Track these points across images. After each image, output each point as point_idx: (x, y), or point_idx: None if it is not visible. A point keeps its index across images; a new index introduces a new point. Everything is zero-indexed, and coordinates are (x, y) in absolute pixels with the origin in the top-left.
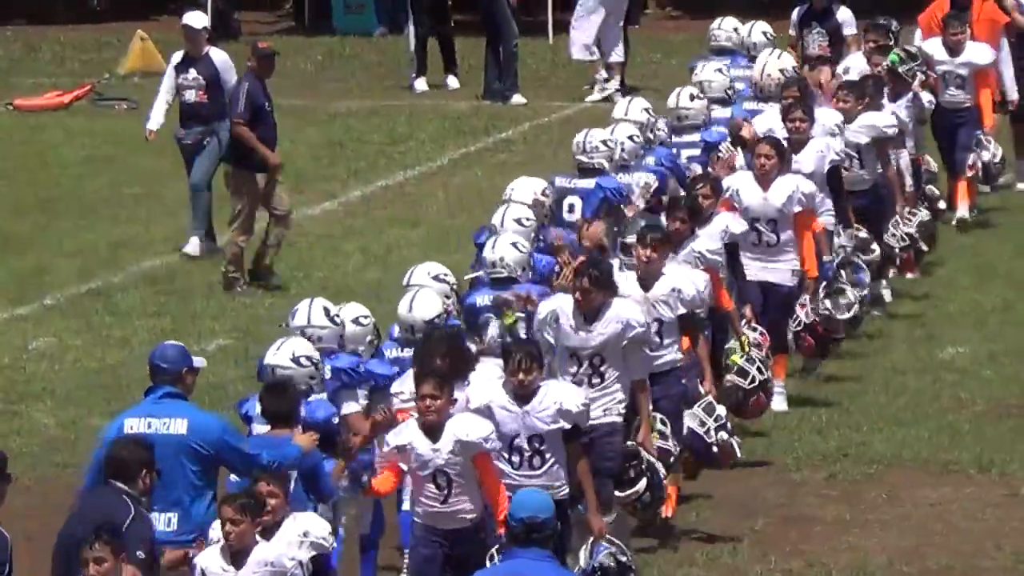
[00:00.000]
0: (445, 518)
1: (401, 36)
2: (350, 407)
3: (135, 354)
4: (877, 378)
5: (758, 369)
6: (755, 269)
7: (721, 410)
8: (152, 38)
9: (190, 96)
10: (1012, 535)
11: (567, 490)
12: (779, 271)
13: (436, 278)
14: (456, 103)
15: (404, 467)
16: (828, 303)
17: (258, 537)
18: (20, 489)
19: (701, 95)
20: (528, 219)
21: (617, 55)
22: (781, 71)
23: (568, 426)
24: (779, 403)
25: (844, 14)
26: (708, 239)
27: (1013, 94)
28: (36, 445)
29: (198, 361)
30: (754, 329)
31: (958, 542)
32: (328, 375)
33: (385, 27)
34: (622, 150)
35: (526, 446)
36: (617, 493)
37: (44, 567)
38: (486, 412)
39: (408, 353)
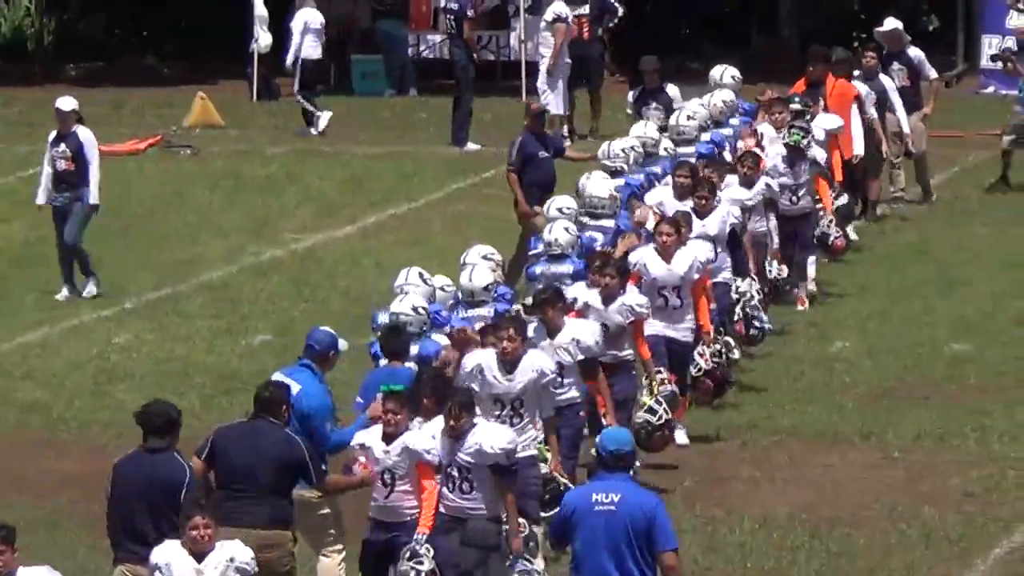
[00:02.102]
0: (388, 511)
1: (406, 96)
2: (441, 339)
3: (196, 347)
4: (781, 366)
5: (664, 409)
6: (660, 328)
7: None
8: (211, 98)
9: (60, 165)
10: (887, 491)
11: (494, 511)
12: (680, 329)
13: (485, 256)
14: (449, 149)
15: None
16: (722, 349)
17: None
18: (107, 453)
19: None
20: (570, 208)
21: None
22: (724, 102)
23: (487, 464)
24: (681, 437)
25: (673, 91)
26: (635, 295)
27: (859, 149)
28: (120, 418)
29: (342, 344)
30: (659, 371)
31: (844, 497)
32: None
33: (394, 90)
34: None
35: (456, 474)
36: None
37: None
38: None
39: (473, 312)
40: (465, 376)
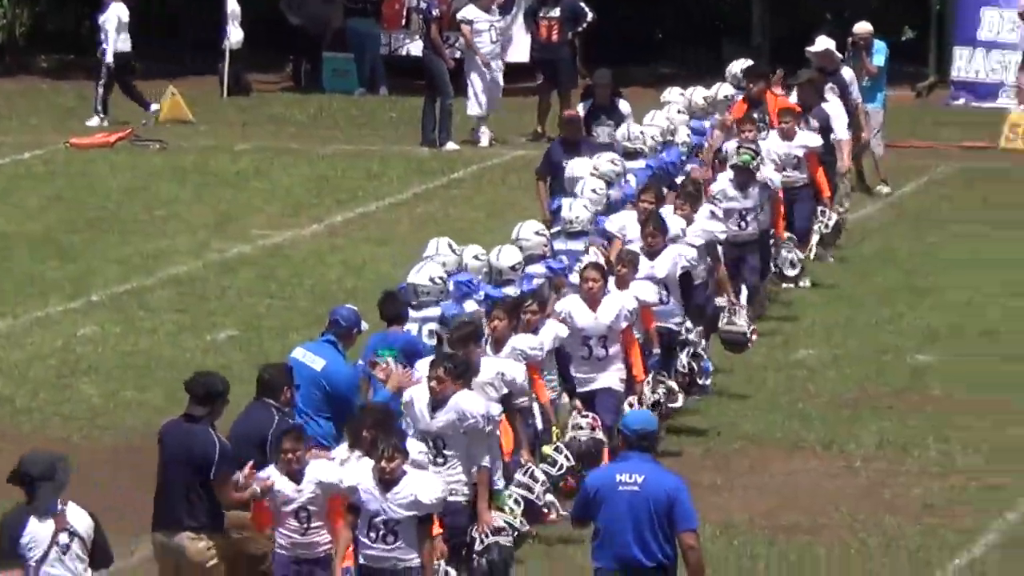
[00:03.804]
0: (305, 547)
1: (378, 96)
2: (471, 306)
3: (161, 341)
4: (744, 373)
5: (566, 457)
6: (583, 383)
7: (539, 473)
8: (180, 93)
9: None
10: (848, 499)
11: (417, 561)
12: (607, 378)
13: (537, 232)
14: (418, 149)
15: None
16: (661, 399)
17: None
18: (71, 446)
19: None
20: (601, 189)
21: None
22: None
23: (420, 514)
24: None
25: (625, 107)
26: (527, 340)
27: (844, 134)
28: (83, 411)
29: (364, 325)
30: (584, 416)
31: (805, 504)
32: (452, 288)
33: (364, 88)
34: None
35: (382, 525)
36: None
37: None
38: (353, 491)
39: (503, 292)
40: (403, 406)
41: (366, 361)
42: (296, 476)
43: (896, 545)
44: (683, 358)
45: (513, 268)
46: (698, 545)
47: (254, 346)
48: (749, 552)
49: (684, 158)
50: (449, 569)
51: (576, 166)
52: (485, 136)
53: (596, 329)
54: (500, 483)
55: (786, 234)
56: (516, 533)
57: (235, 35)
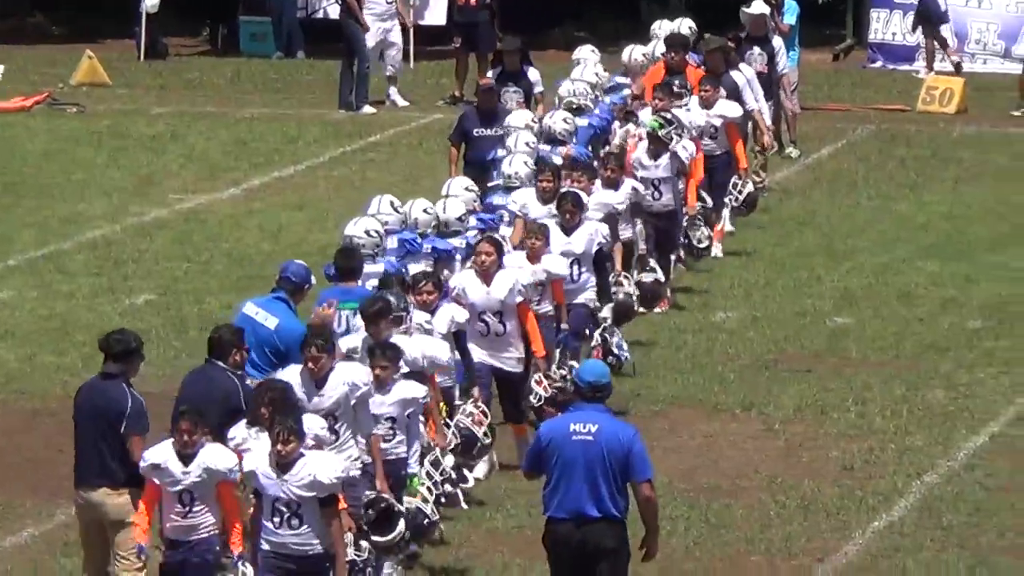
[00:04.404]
0: (186, 531)
1: (295, 59)
2: (417, 267)
3: (78, 305)
4: (663, 336)
5: (453, 434)
6: (484, 356)
7: (447, 461)
8: (98, 57)
9: None
10: (767, 461)
11: (320, 548)
12: (507, 359)
13: (467, 188)
14: (335, 113)
15: (157, 483)
16: (563, 372)
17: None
18: None
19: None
20: (534, 143)
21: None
22: (643, 55)
23: (321, 495)
24: (479, 470)
25: (534, 75)
26: (423, 317)
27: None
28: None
29: (313, 280)
30: (478, 407)
31: (724, 466)
32: (394, 245)
33: (281, 52)
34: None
35: (284, 509)
36: (378, 539)
37: (11, 472)
38: (252, 476)
39: (451, 243)
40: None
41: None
42: (187, 458)
43: (815, 508)
44: (596, 334)
45: (459, 219)
46: (654, 495)
47: (172, 310)
48: (669, 514)
49: (612, 117)
50: (362, 542)
51: (513, 119)
52: (397, 97)
53: (488, 304)
54: (415, 467)
55: (698, 205)
56: (426, 520)
57: None
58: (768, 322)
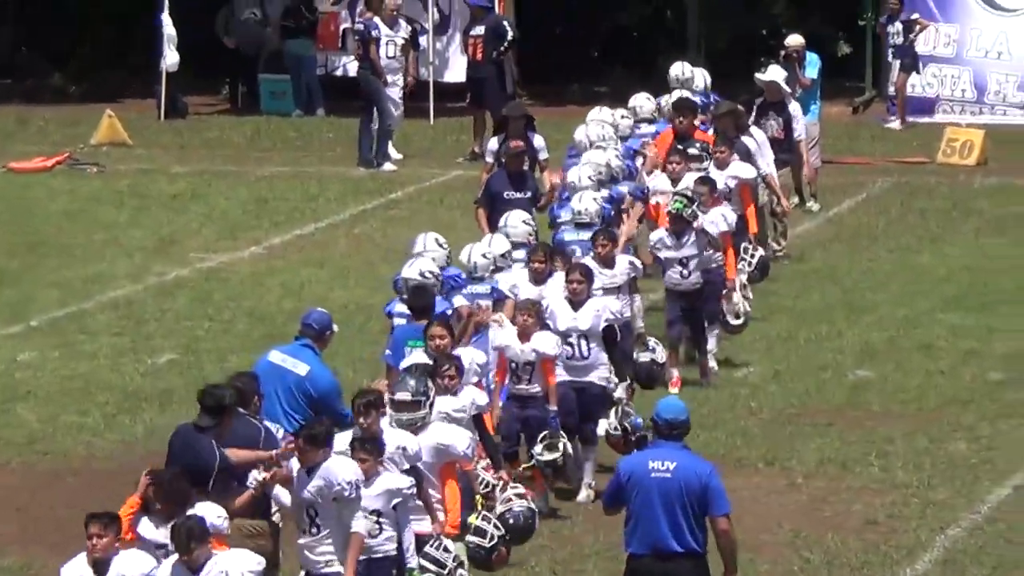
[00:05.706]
0: None
1: (315, 117)
2: (459, 300)
3: (101, 365)
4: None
5: (495, 526)
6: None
7: (451, 546)
8: (117, 116)
9: None
10: (790, 516)
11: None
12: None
13: (524, 221)
14: (355, 170)
15: None
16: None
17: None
18: (8, 471)
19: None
20: (598, 174)
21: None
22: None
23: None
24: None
25: (539, 141)
26: (452, 402)
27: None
28: (22, 436)
29: (335, 327)
30: (515, 487)
31: (748, 521)
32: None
33: (301, 110)
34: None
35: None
36: None
37: (33, 531)
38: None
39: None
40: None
41: (395, 353)
42: (101, 567)
43: (838, 562)
44: (613, 419)
45: (503, 256)
46: (731, 530)
47: (194, 369)
48: None
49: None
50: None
51: (572, 175)
52: (391, 150)
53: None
54: (412, 561)
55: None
56: None
57: (171, 58)
58: (790, 376)
